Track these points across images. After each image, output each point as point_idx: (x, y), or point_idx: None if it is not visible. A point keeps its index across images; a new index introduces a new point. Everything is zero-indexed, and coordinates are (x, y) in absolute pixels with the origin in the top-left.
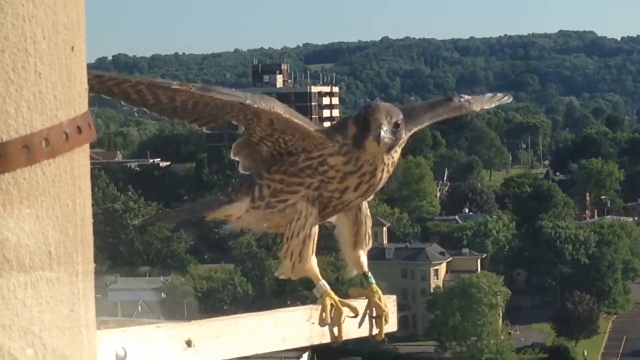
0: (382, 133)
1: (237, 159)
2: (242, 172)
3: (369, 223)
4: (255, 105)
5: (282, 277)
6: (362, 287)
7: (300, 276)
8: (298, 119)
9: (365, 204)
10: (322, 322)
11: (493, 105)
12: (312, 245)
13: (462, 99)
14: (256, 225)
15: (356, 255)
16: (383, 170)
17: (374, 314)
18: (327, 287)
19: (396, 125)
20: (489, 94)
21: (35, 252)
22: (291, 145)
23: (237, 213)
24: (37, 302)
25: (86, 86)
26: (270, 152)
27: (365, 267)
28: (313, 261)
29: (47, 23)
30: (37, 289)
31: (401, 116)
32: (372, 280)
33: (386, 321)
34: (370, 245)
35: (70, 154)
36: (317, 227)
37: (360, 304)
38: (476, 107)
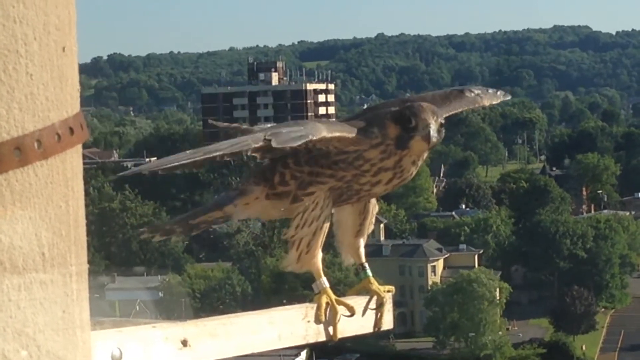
0: (431, 132)
1: (255, 154)
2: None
3: (375, 211)
4: (315, 138)
5: (287, 269)
6: (359, 278)
7: (305, 269)
8: (339, 131)
9: None
10: (317, 320)
11: (496, 102)
12: (322, 238)
13: (473, 93)
14: (266, 212)
15: (357, 245)
16: (417, 165)
17: (375, 306)
18: (327, 284)
19: (441, 125)
20: (491, 90)
21: (29, 253)
22: (321, 145)
23: (246, 201)
24: (31, 304)
25: (78, 87)
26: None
27: (364, 258)
28: (319, 255)
29: (38, 24)
30: (30, 290)
31: (444, 115)
32: (369, 273)
33: (381, 316)
34: (371, 229)
35: (62, 155)
36: (329, 220)
37: (357, 302)
38: (486, 102)
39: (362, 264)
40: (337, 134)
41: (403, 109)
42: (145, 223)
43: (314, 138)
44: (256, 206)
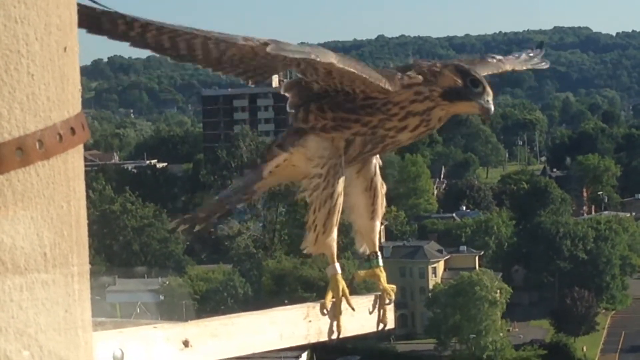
0: (492, 107)
1: (287, 95)
2: (288, 109)
3: (384, 191)
4: (318, 59)
5: (305, 251)
6: (369, 266)
7: (321, 251)
8: (356, 69)
9: (378, 169)
10: (322, 306)
11: (526, 68)
12: (337, 216)
13: (495, 59)
14: (293, 174)
15: (374, 229)
16: (441, 122)
17: (380, 303)
18: (339, 270)
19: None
20: (524, 55)
21: (31, 254)
22: (348, 88)
23: (277, 163)
24: (33, 304)
25: (79, 87)
26: (324, 89)
27: (377, 246)
28: (334, 237)
29: (40, 24)
30: (32, 291)
31: None
32: (381, 262)
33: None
34: (384, 211)
35: (64, 155)
36: (342, 197)
37: (361, 302)
38: (509, 67)
39: (375, 252)
40: (351, 70)
41: (468, 70)
42: (146, 225)
43: (318, 59)
44: (284, 169)
